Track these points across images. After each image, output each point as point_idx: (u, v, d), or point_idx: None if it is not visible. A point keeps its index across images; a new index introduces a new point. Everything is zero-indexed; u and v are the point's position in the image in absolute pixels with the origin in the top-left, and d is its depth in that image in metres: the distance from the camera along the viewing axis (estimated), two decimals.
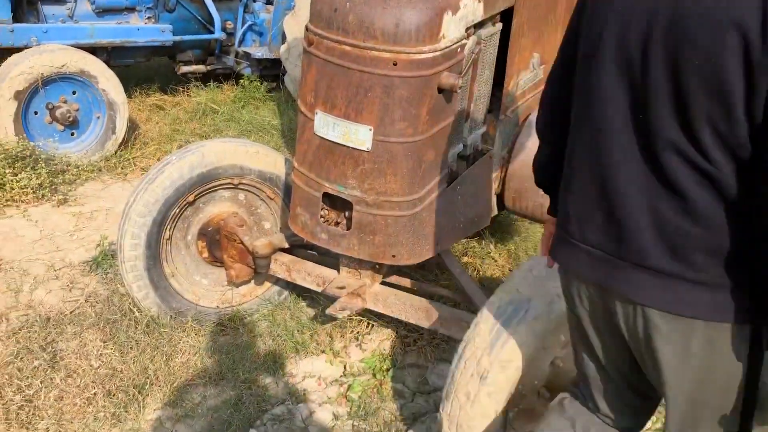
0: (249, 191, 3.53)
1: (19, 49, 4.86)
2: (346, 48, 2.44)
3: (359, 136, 2.53)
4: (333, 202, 2.77)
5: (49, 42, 5.04)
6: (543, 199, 3.33)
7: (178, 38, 5.88)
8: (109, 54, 5.60)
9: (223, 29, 6.25)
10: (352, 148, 2.56)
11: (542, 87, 3.71)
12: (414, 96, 2.47)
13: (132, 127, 5.38)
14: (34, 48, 4.87)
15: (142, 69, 6.64)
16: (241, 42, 6.45)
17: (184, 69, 6.28)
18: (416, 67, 2.42)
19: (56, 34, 5.19)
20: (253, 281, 3.60)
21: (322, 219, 2.79)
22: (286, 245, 3.30)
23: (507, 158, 3.34)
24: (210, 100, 6.16)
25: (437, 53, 2.45)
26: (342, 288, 2.97)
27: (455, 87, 2.49)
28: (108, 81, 4.98)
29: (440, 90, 2.53)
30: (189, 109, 6.09)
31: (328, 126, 2.59)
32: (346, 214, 2.78)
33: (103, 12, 5.60)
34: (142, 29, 5.66)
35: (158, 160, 5.12)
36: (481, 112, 3.08)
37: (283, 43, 6.17)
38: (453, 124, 2.71)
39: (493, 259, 3.99)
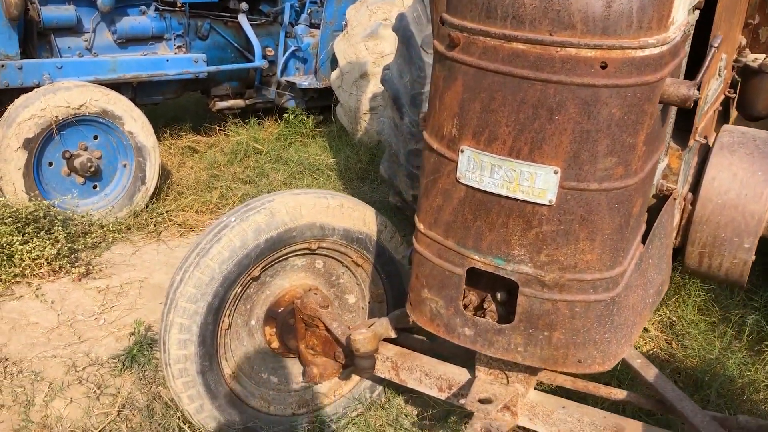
0: (329, 256, 2.64)
1: (29, 89, 4.07)
2: (519, 47, 1.54)
3: (536, 183, 1.62)
4: (476, 280, 1.86)
5: (64, 79, 4.31)
6: (746, 255, 2.41)
7: (213, 69, 5.10)
8: (134, 90, 4.83)
9: (264, 57, 5.44)
10: (523, 201, 1.66)
11: (722, 98, 2.84)
12: (630, 116, 1.56)
13: (163, 174, 4.56)
14: (47, 86, 4.11)
15: (171, 107, 5.86)
16: (283, 71, 5.64)
17: (220, 105, 5.48)
18: (637, 70, 1.51)
19: (73, 70, 4.47)
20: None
21: (465, 307, 1.87)
22: (393, 335, 2.38)
23: (691, 199, 2.41)
24: (251, 138, 5.34)
25: (665, 47, 1.54)
26: (488, 401, 2.02)
27: (689, 100, 1.58)
28: (135, 122, 4.17)
29: (663, 104, 1.62)
30: (227, 150, 5.27)
31: (482, 169, 1.68)
32: (499, 297, 1.86)
33: (126, 42, 4.85)
34: (172, 60, 4.88)
35: (196, 212, 4.27)
36: (669, 135, 2.17)
37: (333, 69, 5.35)
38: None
39: (645, 329, 3.03)
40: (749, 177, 2.34)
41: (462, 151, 1.71)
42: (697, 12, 2.04)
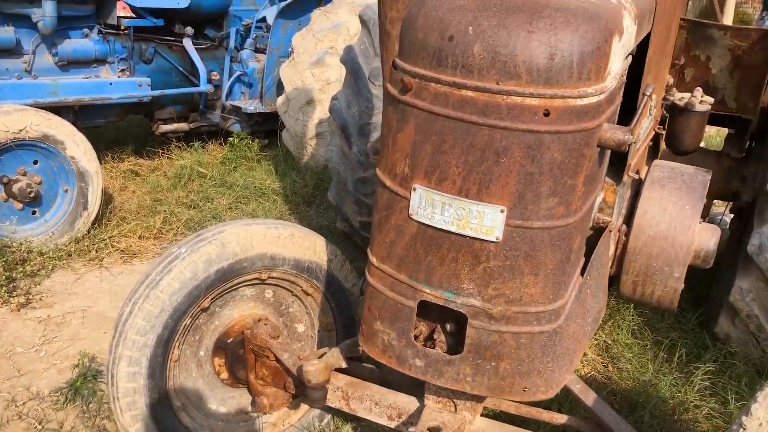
0: (279, 286, 2.67)
1: None
2: (468, 94, 1.63)
3: (484, 221, 1.71)
4: (427, 312, 1.93)
5: (2, 102, 4.19)
6: (676, 283, 2.56)
7: (157, 93, 5.06)
8: (76, 114, 4.75)
9: (209, 81, 5.43)
10: (472, 237, 1.74)
11: (652, 134, 3.01)
12: (570, 160, 1.66)
13: (105, 199, 4.47)
14: None
15: (113, 130, 5.76)
16: (228, 95, 5.63)
17: (164, 128, 5.43)
18: (577, 118, 1.62)
19: (11, 93, 4.39)
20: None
21: (416, 338, 1.94)
22: (344, 364, 2.42)
23: (626, 231, 2.55)
24: (195, 162, 5.31)
25: (602, 96, 1.66)
26: (437, 429, 2.09)
27: (625, 144, 1.70)
28: (77, 147, 4.10)
29: (600, 148, 1.74)
30: (171, 174, 5.21)
31: (433, 207, 1.76)
32: (449, 328, 1.94)
33: (68, 65, 4.76)
34: (116, 83, 4.82)
35: (139, 238, 4.22)
36: (605, 171, 2.30)
37: (279, 94, 5.39)
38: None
39: (584, 353, 3.16)
40: (678, 210, 2.50)
41: (414, 190, 1.78)
42: (630, 57, 2.19)
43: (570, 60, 1.58)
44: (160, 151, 5.53)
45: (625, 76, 2.11)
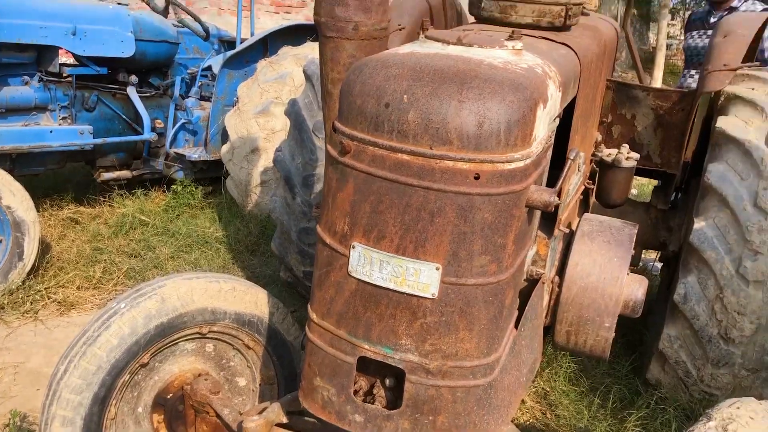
0: (220, 340, 2.66)
1: None
2: (404, 157, 1.71)
3: (420, 278, 1.77)
4: (366, 367, 1.97)
5: None
6: (607, 333, 2.67)
7: (99, 141, 5.00)
8: (13, 162, 4.64)
9: (153, 129, 5.41)
10: (409, 294, 1.80)
11: (582, 188, 3.15)
12: (500, 220, 1.75)
13: (42, 248, 4.36)
14: None
15: (52, 176, 5.65)
16: (172, 143, 5.62)
17: (106, 176, 5.35)
18: (505, 181, 1.72)
19: None
20: None
21: (356, 393, 1.97)
22: (285, 419, 2.42)
23: (558, 282, 2.66)
24: (137, 210, 5.24)
25: (528, 161, 1.76)
26: None
27: (550, 205, 1.80)
28: (14, 196, 4.01)
29: (528, 208, 1.83)
30: (112, 222, 5.13)
31: (371, 265, 1.81)
32: (388, 383, 1.97)
33: (5, 112, 4.68)
34: (56, 131, 4.76)
35: (78, 288, 4.13)
36: (536, 227, 2.41)
37: (224, 142, 5.42)
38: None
39: (522, 401, 3.23)
40: (607, 262, 2.62)
41: (353, 247, 1.83)
42: (558, 120, 2.32)
43: (498, 128, 1.67)
44: (102, 199, 5.44)
45: (553, 138, 2.24)
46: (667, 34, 19.88)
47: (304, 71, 3.82)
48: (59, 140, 4.75)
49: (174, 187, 5.63)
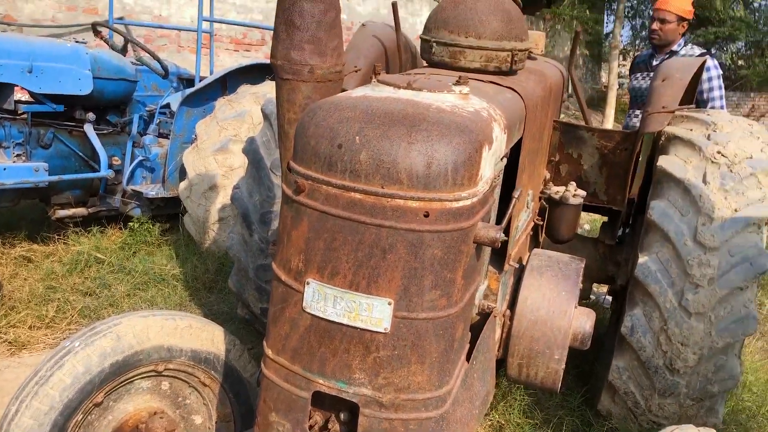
0: (176, 377, 2.66)
1: None
2: (356, 196, 1.78)
3: (373, 313, 1.83)
4: (321, 401, 2.00)
5: None
6: (557, 365, 2.75)
7: (55, 178, 4.95)
8: None
9: (110, 166, 5.39)
10: (363, 329, 1.85)
11: (532, 224, 3.26)
12: (449, 256, 1.82)
13: None
14: None
15: (5, 214, 5.55)
16: (130, 180, 5.60)
17: (61, 213, 5.29)
18: (453, 218, 1.80)
19: None
20: None
21: (311, 428, 1.99)
22: None
23: (510, 316, 2.74)
24: (93, 247, 5.18)
25: (475, 199, 1.84)
26: None
27: (496, 242, 1.89)
28: None
29: (476, 244, 1.91)
30: (66, 260, 5.06)
31: (325, 300, 1.86)
32: (342, 417, 2.01)
33: None
34: (10, 169, 4.70)
35: (30, 328, 4.06)
36: (487, 262, 2.50)
37: (182, 179, 5.42)
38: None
39: None
40: (555, 296, 2.72)
41: (308, 284, 1.88)
42: (505, 159, 2.43)
43: (445, 168, 1.76)
44: (56, 236, 5.36)
45: (500, 177, 2.34)
46: (618, 74, 20.65)
47: (262, 110, 3.89)
48: (13, 178, 4.69)
49: (131, 224, 5.59)
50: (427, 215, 1.77)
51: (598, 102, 24.27)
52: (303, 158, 1.88)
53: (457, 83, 2.07)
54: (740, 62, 23.85)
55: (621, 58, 25.66)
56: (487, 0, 2.62)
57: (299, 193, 1.87)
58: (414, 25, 16.77)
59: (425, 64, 2.90)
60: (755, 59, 22.72)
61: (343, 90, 2.28)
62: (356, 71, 3.53)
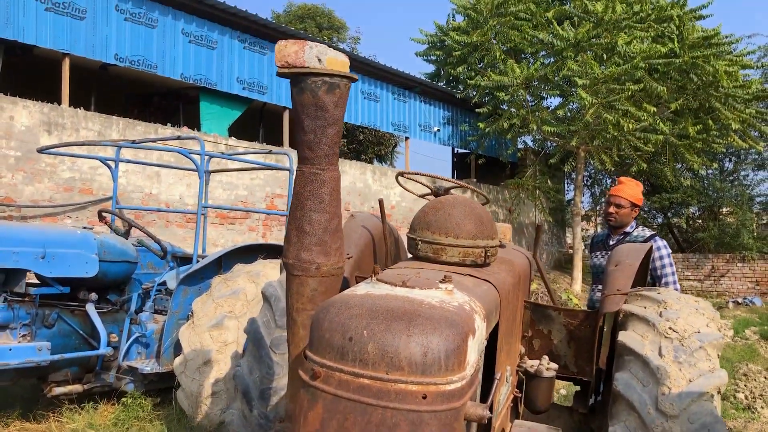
0: None
1: None
2: (365, 381, 2.14)
3: None
4: None
5: None
6: None
7: (56, 357, 5.18)
8: None
9: (108, 344, 5.64)
10: None
11: (512, 397, 3.58)
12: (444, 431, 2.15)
13: None
14: None
15: (0, 393, 5.68)
16: (125, 356, 5.83)
17: (57, 391, 5.45)
18: (447, 399, 2.15)
19: None
20: None
21: None
22: None
23: None
24: (87, 425, 5.29)
25: (464, 381, 2.21)
26: None
27: (484, 418, 2.23)
28: None
29: (466, 421, 2.25)
30: None
31: None
32: None
33: None
34: (15, 349, 4.94)
35: None
36: None
37: (177, 354, 5.67)
38: None
39: None
40: None
41: None
42: (485, 342, 2.82)
43: (439, 356, 2.14)
44: (51, 414, 5.48)
45: (483, 359, 2.72)
46: (582, 237, 21.72)
47: (263, 293, 4.28)
48: (18, 358, 4.91)
49: (124, 399, 5.73)
50: (425, 397, 2.12)
51: (565, 263, 25.21)
52: (318, 348, 2.26)
53: (443, 281, 2.51)
54: (697, 224, 25.30)
55: (585, 222, 27.08)
56: (462, 207, 3.16)
57: (315, 378, 2.23)
58: (388, 197, 17.84)
59: (410, 256, 3.37)
60: (709, 222, 24.18)
61: None
62: (348, 258, 4.00)
